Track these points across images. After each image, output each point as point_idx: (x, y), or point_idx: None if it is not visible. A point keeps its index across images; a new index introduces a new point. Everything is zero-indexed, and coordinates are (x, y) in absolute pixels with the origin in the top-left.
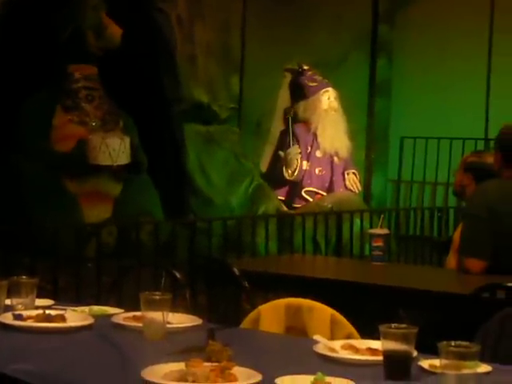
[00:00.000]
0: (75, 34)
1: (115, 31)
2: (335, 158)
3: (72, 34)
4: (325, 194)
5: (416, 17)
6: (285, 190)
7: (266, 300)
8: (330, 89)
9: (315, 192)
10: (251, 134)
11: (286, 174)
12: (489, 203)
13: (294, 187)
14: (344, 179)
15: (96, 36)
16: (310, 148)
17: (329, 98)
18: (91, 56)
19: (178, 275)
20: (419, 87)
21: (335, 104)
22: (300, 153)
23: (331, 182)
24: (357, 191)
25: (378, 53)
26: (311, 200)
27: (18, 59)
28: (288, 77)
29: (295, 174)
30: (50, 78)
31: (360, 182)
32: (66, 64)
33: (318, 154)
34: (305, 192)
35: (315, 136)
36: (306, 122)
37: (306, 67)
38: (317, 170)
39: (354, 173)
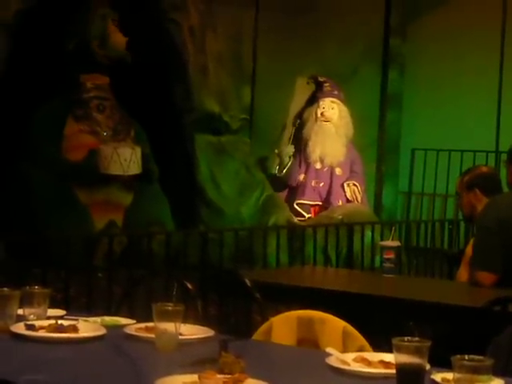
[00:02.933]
0: (84, 44)
1: (119, 39)
2: (336, 170)
3: (80, 44)
4: (320, 203)
5: (428, 29)
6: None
7: (277, 311)
8: (328, 99)
9: (309, 204)
10: (262, 144)
11: (276, 171)
12: (500, 216)
13: (290, 198)
14: (344, 191)
15: (100, 44)
16: (304, 158)
17: (324, 108)
18: (103, 66)
19: (189, 286)
20: (430, 100)
21: (330, 114)
22: (294, 153)
23: (329, 194)
24: (357, 202)
25: (389, 65)
26: (304, 213)
27: (29, 68)
28: (303, 87)
29: (283, 171)
30: (62, 87)
31: (361, 193)
32: (77, 74)
33: (318, 165)
34: (297, 204)
35: (306, 144)
36: (303, 132)
37: (321, 78)
38: (313, 182)
39: (354, 184)
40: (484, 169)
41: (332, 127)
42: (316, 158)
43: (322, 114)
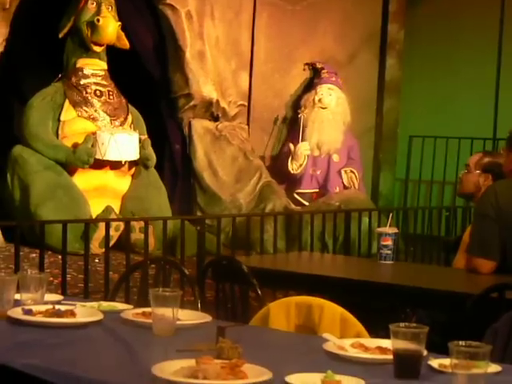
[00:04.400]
0: (78, 29)
1: (112, 24)
2: (334, 156)
3: (75, 29)
4: (317, 190)
5: (426, 16)
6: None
7: (275, 298)
8: (326, 85)
9: (309, 193)
10: (260, 131)
11: (290, 168)
12: (499, 203)
13: (289, 187)
14: (341, 177)
15: (92, 30)
16: (300, 136)
17: (322, 94)
18: (100, 51)
19: (186, 272)
20: (428, 87)
21: (327, 100)
22: (309, 150)
23: (326, 181)
24: (355, 189)
25: (387, 52)
26: (304, 202)
27: (27, 53)
28: (300, 73)
29: (300, 168)
30: (59, 72)
31: (359, 180)
32: (75, 59)
33: (315, 152)
34: (297, 194)
35: (303, 130)
36: (301, 116)
37: (319, 65)
38: (311, 170)
39: (351, 171)
40: (501, 159)
41: (329, 114)
42: (313, 145)
43: (319, 100)
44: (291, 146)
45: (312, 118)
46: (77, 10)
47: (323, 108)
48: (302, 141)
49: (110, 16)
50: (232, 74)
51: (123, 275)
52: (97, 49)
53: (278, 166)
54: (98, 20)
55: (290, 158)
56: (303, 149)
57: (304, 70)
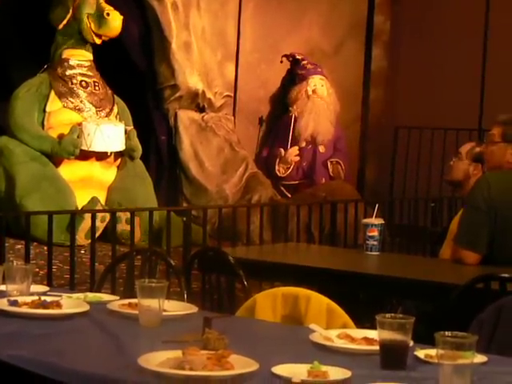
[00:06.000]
0: (74, 20)
1: (116, 19)
2: (320, 147)
3: (69, 20)
4: (304, 181)
5: (412, 7)
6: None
7: (261, 288)
8: (317, 76)
9: (294, 184)
10: (246, 122)
11: (277, 170)
12: (491, 195)
13: (276, 182)
14: (327, 168)
15: (97, 23)
16: (290, 137)
17: (315, 85)
18: (87, 42)
19: (172, 262)
20: (414, 77)
21: (321, 91)
22: (298, 154)
23: (313, 171)
24: (341, 180)
25: (373, 43)
26: (289, 194)
27: (13, 44)
28: (285, 64)
29: (287, 172)
30: (45, 63)
31: (345, 170)
32: (61, 50)
33: (301, 143)
34: (283, 186)
35: (295, 123)
36: (292, 109)
37: (299, 56)
38: (297, 160)
39: (337, 162)
40: None
41: (324, 104)
42: (308, 135)
43: (313, 91)
44: (281, 150)
45: (308, 109)
46: (74, 1)
47: (318, 98)
48: (291, 137)
49: (113, 10)
50: (218, 64)
51: (109, 266)
52: (97, 41)
53: (265, 166)
54: (108, 14)
55: (277, 161)
56: (293, 154)
57: (282, 62)
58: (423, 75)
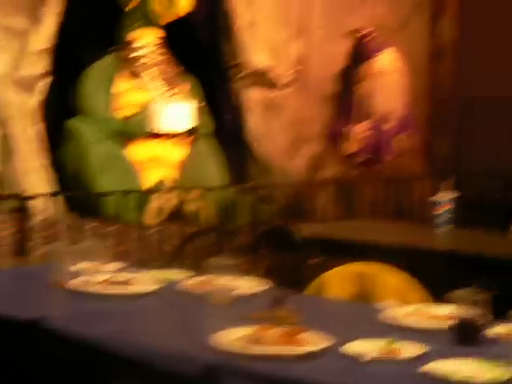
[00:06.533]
0: (140, 1)
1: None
2: (388, 124)
3: (137, 2)
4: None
5: None
6: None
7: (330, 266)
8: (385, 51)
9: (361, 160)
10: (313, 99)
11: (345, 148)
12: None
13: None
14: (395, 145)
15: (165, 3)
16: (358, 114)
17: (383, 61)
18: (154, 23)
19: (241, 241)
20: (482, 49)
21: (389, 66)
22: (366, 131)
23: (380, 148)
24: (408, 155)
25: (440, 15)
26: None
27: (80, 25)
28: (352, 40)
29: (355, 149)
30: (112, 44)
31: (412, 146)
32: (128, 31)
33: (369, 120)
34: (350, 163)
35: (364, 100)
36: (359, 86)
37: (366, 31)
38: (364, 136)
39: (405, 137)
40: None
41: (392, 80)
42: (376, 112)
43: (381, 67)
44: (349, 127)
45: (376, 86)
46: None
47: (388, 75)
48: (360, 113)
49: None
50: (284, 42)
51: (179, 245)
52: (165, 21)
53: (332, 143)
54: None
55: (345, 138)
56: (361, 131)
57: (348, 37)
58: (492, 47)
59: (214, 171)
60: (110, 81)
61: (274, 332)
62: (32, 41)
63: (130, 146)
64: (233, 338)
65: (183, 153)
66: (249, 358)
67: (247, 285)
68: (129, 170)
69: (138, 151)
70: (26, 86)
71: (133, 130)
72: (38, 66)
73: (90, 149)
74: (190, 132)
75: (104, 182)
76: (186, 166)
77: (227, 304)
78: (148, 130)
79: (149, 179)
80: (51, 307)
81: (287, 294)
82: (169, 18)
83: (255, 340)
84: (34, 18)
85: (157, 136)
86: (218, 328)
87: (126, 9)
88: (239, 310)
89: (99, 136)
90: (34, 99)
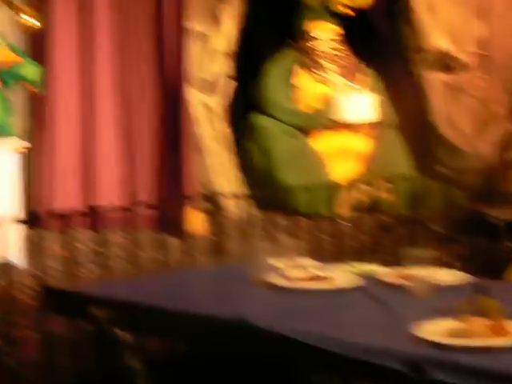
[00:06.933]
0: None
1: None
2: None
3: None
4: None
5: None
6: None
7: None
8: None
9: None
10: (500, 79)
11: None
12: None
13: None
14: None
15: None
16: None
17: None
18: (334, 14)
19: (436, 229)
20: None
21: None
22: None
23: None
24: None
25: None
26: None
27: (260, 20)
28: None
29: None
30: (291, 36)
31: None
32: (307, 23)
33: None
34: None
35: None
36: None
37: None
38: None
39: None
40: None
41: None
42: None
43: None
44: None
45: None
46: None
47: None
48: None
49: None
50: (465, 23)
51: (375, 237)
52: (346, 12)
53: None
54: None
55: None
56: None
57: None
58: None
59: (401, 161)
60: (290, 73)
61: (481, 324)
62: (214, 43)
63: (315, 138)
64: (438, 329)
65: (369, 144)
66: (456, 350)
67: (446, 275)
68: (316, 162)
69: (323, 143)
70: (211, 86)
71: (316, 121)
72: (221, 67)
73: (275, 143)
74: (374, 124)
75: (291, 175)
76: (373, 157)
77: (428, 295)
78: (332, 121)
79: (336, 171)
80: (254, 305)
81: (490, 283)
82: (351, 8)
83: (462, 332)
84: (215, 20)
85: (341, 128)
86: (419, 320)
87: (307, 0)
88: (441, 301)
89: (284, 129)
90: (219, 99)
